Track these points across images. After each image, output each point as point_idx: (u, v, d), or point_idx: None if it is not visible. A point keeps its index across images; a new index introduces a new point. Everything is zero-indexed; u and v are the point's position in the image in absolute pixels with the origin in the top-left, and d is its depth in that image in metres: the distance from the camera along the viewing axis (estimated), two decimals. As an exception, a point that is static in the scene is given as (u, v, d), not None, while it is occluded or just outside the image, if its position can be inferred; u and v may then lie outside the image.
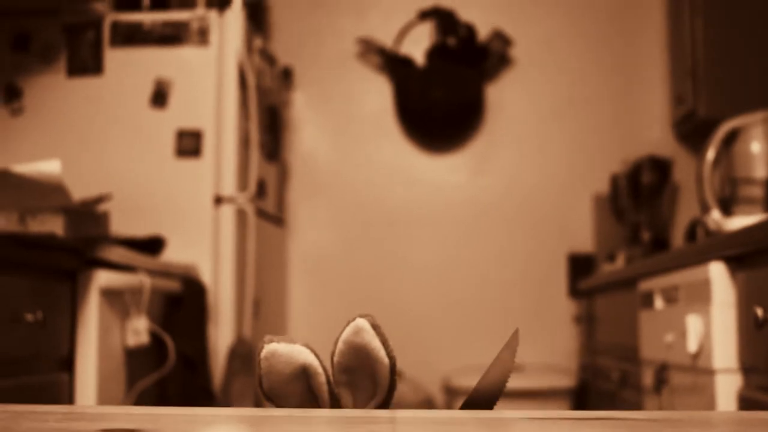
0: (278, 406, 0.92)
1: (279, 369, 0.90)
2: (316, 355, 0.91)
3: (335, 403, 0.91)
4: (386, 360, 0.90)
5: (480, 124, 4.21)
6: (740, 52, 3.55)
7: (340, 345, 0.90)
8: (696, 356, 2.07)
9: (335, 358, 0.90)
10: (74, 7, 3.26)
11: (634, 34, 4.19)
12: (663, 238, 3.74)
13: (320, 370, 0.90)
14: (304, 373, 0.90)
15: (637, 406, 2.69)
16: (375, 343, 0.89)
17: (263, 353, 0.90)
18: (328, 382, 0.91)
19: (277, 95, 3.94)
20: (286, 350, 0.90)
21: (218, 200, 3.23)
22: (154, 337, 2.69)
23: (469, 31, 4.10)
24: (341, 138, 4.28)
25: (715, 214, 2.42)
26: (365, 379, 0.91)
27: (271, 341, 0.90)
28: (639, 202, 3.76)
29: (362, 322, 0.90)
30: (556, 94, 4.20)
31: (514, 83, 4.22)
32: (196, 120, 3.23)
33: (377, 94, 4.25)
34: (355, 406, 0.92)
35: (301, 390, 0.91)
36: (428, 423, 0.79)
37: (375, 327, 0.89)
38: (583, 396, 3.75)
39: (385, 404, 0.92)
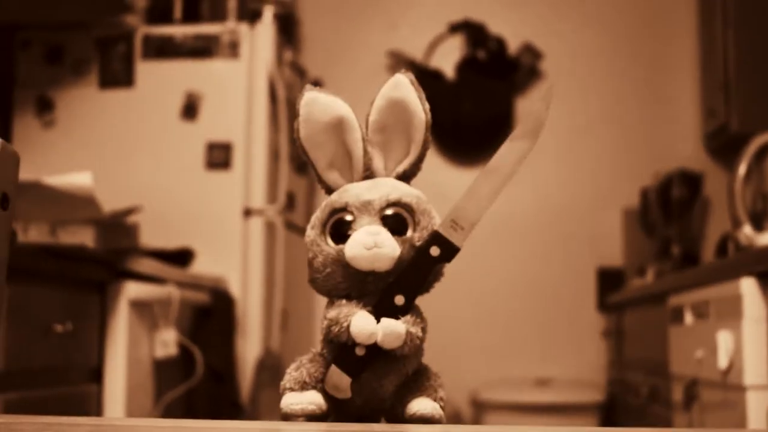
0: (312, 157, 0.91)
1: (317, 117, 0.90)
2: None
3: (368, 161, 0.90)
4: (423, 114, 0.90)
5: (509, 138, 4.19)
6: (772, 65, 3.52)
7: (377, 101, 0.90)
8: (726, 372, 2.05)
9: (371, 117, 0.91)
10: (106, 20, 3.29)
11: (666, 47, 4.17)
12: (693, 253, 3.71)
13: (356, 125, 0.90)
14: (340, 124, 0.90)
15: (667, 422, 2.66)
16: (413, 97, 0.90)
17: (303, 99, 0.90)
18: (363, 139, 0.90)
19: (307, 108, 3.94)
20: (326, 99, 0.91)
21: (247, 212, 3.24)
22: (183, 348, 2.70)
23: (499, 44, 4.10)
24: (370, 151, 4.28)
25: (747, 229, 2.40)
26: (399, 138, 0.92)
27: (312, 89, 0.90)
28: (669, 216, 3.73)
29: (401, 77, 0.90)
30: (586, 106, 4.19)
31: (543, 96, 4.20)
32: (226, 132, 3.24)
33: (406, 107, 4.24)
34: (387, 168, 0.92)
35: (335, 142, 0.91)
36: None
37: (413, 83, 0.89)
38: (612, 411, 3.72)
39: (416, 164, 0.93)
